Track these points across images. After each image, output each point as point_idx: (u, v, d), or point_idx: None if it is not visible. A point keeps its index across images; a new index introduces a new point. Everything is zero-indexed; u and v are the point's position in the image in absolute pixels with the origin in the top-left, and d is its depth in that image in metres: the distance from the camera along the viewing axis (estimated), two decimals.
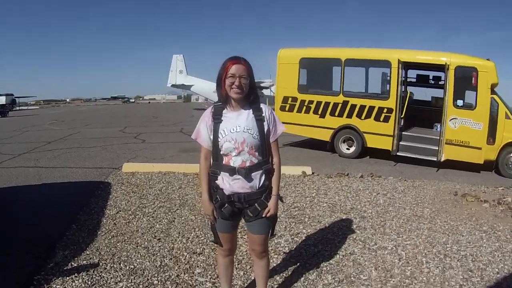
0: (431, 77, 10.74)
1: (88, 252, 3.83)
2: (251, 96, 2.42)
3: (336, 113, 9.96)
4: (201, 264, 3.61)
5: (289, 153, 10.16)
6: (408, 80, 10.95)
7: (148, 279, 3.32)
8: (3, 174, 7.50)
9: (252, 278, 3.24)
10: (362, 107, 9.66)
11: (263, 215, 2.46)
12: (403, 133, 9.53)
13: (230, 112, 2.40)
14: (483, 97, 8.49)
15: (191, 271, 3.48)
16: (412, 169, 8.88)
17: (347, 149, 10.10)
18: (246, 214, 2.48)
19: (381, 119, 9.41)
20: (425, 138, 9.35)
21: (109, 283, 3.25)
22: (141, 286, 3.22)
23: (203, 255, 3.81)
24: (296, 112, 10.40)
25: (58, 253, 3.78)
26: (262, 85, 28.65)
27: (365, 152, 10.03)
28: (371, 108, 9.55)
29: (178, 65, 36.49)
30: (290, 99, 10.49)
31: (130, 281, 3.29)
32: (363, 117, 9.66)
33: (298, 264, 3.64)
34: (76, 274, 3.35)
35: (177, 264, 3.62)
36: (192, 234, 4.33)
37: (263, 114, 2.42)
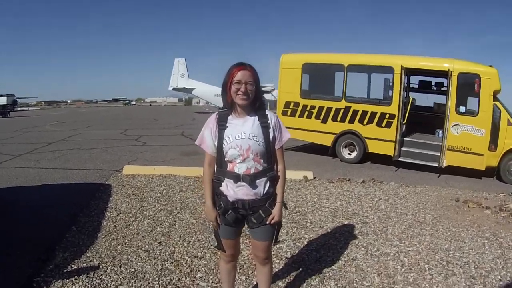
0: (433, 83, 10.73)
1: (88, 255, 3.80)
2: (256, 103, 2.40)
3: (338, 118, 9.95)
4: (203, 269, 3.58)
5: (291, 157, 10.14)
6: (410, 86, 10.96)
7: (149, 283, 3.29)
8: (3, 174, 7.49)
9: (254, 283, 3.22)
10: (364, 113, 9.65)
11: (267, 222, 2.44)
12: (405, 138, 9.51)
13: (236, 119, 2.38)
14: (485, 103, 8.48)
15: (192, 275, 3.44)
16: (413, 174, 8.86)
17: (349, 154, 10.08)
18: (250, 220, 2.46)
19: (383, 125, 9.41)
20: (427, 144, 9.33)
21: (110, 286, 3.22)
22: None
23: (205, 259, 3.78)
24: (298, 117, 10.39)
25: (58, 255, 3.76)
26: (263, 89, 28.63)
27: (366, 157, 10.00)
28: (373, 113, 9.54)
29: (179, 68, 36.60)
30: (292, 104, 10.48)
31: (130, 284, 3.26)
32: (365, 122, 9.65)
33: (300, 269, 3.61)
34: (76, 277, 3.32)
35: (178, 268, 3.59)
36: (193, 238, 4.30)
37: (268, 121, 2.40)
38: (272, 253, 3.78)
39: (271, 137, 2.39)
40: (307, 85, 10.77)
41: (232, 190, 2.37)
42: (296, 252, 4.01)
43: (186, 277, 3.40)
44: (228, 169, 2.37)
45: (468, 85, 8.70)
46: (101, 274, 3.40)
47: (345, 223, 4.97)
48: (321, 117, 10.14)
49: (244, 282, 3.35)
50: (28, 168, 8.14)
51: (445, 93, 9.10)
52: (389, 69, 9.49)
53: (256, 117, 2.39)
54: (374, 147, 9.65)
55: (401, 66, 9.16)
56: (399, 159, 9.36)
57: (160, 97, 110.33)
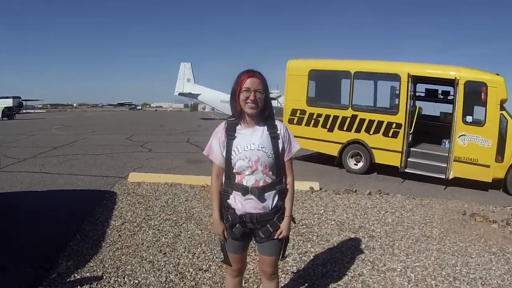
0: (440, 92, 10.63)
1: (91, 264, 3.78)
2: (266, 112, 2.34)
3: (345, 127, 9.83)
4: (208, 282, 3.54)
5: (296, 167, 9.93)
6: (417, 94, 10.85)
7: None
8: (8, 178, 7.50)
9: None
10: (371, 122, 9.53)
11: (275, 237, 2.39)
12: (411, 149, 9.36)
13: (244, 129, 2.34)
14: (492, 113, 8.35)
15: None
16: (419, 186, 8.77)
17: (355, 164, 9.96)
18: (258, 235, 2.40)
19: (390, 135, 9.28)
20: (434, 154, 9.18)
21: None
22: None
23: (210, 272, 3.74)
24: (305, 125, 10.27)
25: (62, 263, 3.74)
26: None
27: (372, 168, 9.90)
28: (380, 123, 9.41)
29: (185, 73, 36.47)
30: (298, 111, 10.37)
31: None
32: (371, 132, 9.52)
33: (306, 284, 3.56)
34: (79, 287, 3.30)
35: (183, 280, 3.55)
36: (198, 250, 4.26)
37: (278, 132, 2.35)
38: (278, 267, 3.74)
39: (280, 148, 2.34)
40: (313, 92, 10.66)
41: (240, 203, 2.33)
42: (302, 266, 3.96)
43: None
44: (236, 181, 2.33)
45: (475, 94, 8.56)
46: (104, 285, 3.38)
47: (352, 236, 4.91)
48: (328, 126, 10.02)
49: None
50: (33, 172, 8.15)
51: (451, 101, 9.00)
52: (395, 77, 9.38)
53: (265, 127, 2.34)
54: (380, 158, 9.52)
55: (408, 73, 9.04)
56: (406, 170, 9.21)
57: (166, 102, 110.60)
